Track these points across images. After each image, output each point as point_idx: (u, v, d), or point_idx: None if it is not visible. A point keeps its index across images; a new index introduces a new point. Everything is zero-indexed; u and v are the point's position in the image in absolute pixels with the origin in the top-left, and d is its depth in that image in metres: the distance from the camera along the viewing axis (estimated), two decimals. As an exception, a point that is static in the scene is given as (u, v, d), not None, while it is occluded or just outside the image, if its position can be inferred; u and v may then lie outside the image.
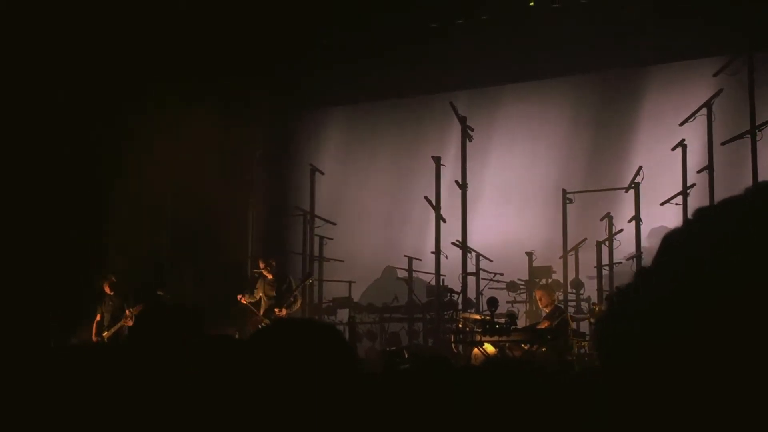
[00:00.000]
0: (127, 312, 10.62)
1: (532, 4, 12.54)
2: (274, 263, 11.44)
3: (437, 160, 12.26)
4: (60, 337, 10.07)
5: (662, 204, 11.75)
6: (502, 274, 12.62)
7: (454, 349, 9.73)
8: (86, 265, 11.38)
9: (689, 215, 0.95)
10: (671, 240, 0.94)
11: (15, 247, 10.64)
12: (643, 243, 11.79)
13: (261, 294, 11.32)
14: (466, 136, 12.08)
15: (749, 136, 10.39)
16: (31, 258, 10.72)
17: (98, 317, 10.99)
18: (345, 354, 1.71)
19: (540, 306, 10.45)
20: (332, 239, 14.31)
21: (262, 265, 11.38)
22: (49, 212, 11.17)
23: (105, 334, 10.80)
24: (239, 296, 11.27)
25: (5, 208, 10.83)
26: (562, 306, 10.93)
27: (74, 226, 11.44)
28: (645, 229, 12.08)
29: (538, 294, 10.48)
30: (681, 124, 11.57)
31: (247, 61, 13.18)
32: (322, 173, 14.32)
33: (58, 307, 10.35)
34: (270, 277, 11.28)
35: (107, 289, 10.96)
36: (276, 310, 11.00)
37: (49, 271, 10.84)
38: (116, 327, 10.74)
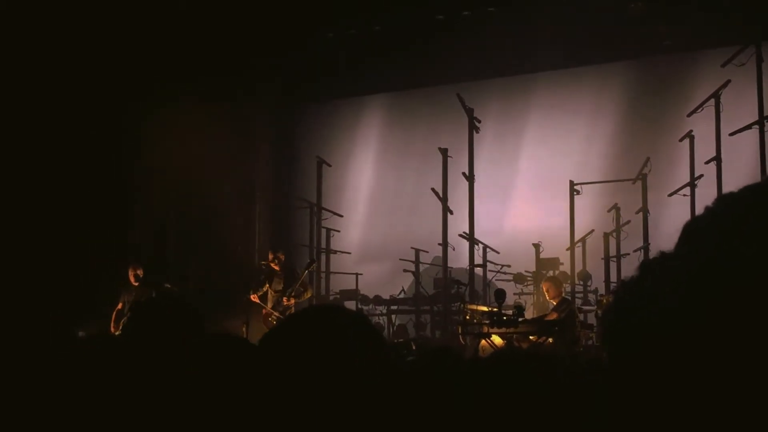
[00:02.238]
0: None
1: (539, -6, 12.49)
2: (282, 257, 11.42)
3: (444, 152, 12.25)
4: (64, 330, 9.99)
5: (670, 195, 11.73)
6: (509, 266, 12.60)
7: (462, 341, 9.73)
8: (90, 257, 11.35)
9: (695, 206, 0.94)
10: (692, 228, 0.92)
11: (23, 243, 10.65)
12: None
13: (268, 287, 11.33)
14: (473, 128, 12.06)
15: (757, 126, 10.36)
16: (38, 250, 10.72)
17: (119, 306, 10.93)
18: (378, 342, 1.69)
19: (547, 298, 10.44)
20: (339, 231, 14.32)
21: (270, 257, 11.39)
22: (51, 207, 11.16)
23: (123, 321, 10.78)
24: (251, 295, 11.17)
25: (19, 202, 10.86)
26: (570, 298, 10.92)
27: (79, 221, 11.43)
28: (653, 220, 12.07)
29: (545, 286, 10.47)
30: (689, 115, 11.54)
31: (254, 54, 13.17)
32: (329, 165, 14.32)
33: (62, 299, 10.27)
34: (277, 269, 11.29)
35: (132, 280, 10.92)
36: (284, 299, 11.00)
37: (57, 264, 10.83)
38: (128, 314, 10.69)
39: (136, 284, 10.92)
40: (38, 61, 10.92)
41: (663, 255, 1.00)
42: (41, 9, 10.79)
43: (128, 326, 2.78)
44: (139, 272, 10.97)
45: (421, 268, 13.19)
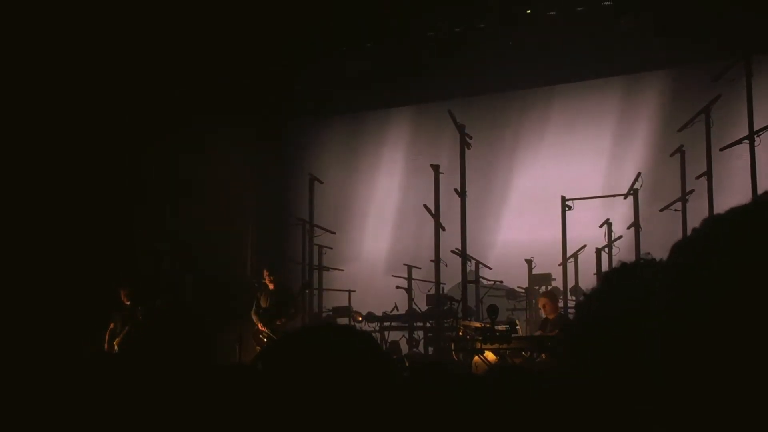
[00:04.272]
0: (139, 319, 10.60)
1: (529, 12, 12.56)
2: (277, 277, 11.48)
3: (436, 168, 12.25)
4: (69, 345, 9.95)
5: (661, 210, 11.75)
6: (501, 282, 12.60)
7: (455, 357, 9.71)
8: (81, 274, 11.29)
9: (687, 221, 0.95)
10: (677, 248, 0.93)
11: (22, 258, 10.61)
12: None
13: (261, 305, 11.32)
14: (464, 144, 12.08)
15: (747, 141, 10.39)
16: (30, 267, 10.68)
17: (111, 326, 10.96)
18: (385, 363, 1.67)
19: (544, 313, 10.42)
20: (331, 248, 14.30)
21: (266, 273, 11.39)
22: (49, 226, 11.13)
23: (116, 341, 10.79)
24: (258, 323, 11.12)
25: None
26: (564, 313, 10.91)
27: (75, 235, 11.39)
28: (645, 235, 12.09)
29: (542, 301, 10.45)
30: (679, 130, 11.58)
31: (246, 70, 13.19)
32: (321, 182, 14.32)
33: (64, 316, 10.24)
34: (271, 287, 11.29)
35: (125, 299, 10.94)
36: (277, 322, 11.00)
37: (56, 279, 10.78)
38: (123, 332, 10.70)
39: (128, 303, 10.94)
40: (39, 84, 10.94)
41: (624, 266, 1.01)
42: (60, 18, 10.79)
43: (131, 340, 2.78)
44: (130, 291, 10.99)
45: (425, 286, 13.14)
